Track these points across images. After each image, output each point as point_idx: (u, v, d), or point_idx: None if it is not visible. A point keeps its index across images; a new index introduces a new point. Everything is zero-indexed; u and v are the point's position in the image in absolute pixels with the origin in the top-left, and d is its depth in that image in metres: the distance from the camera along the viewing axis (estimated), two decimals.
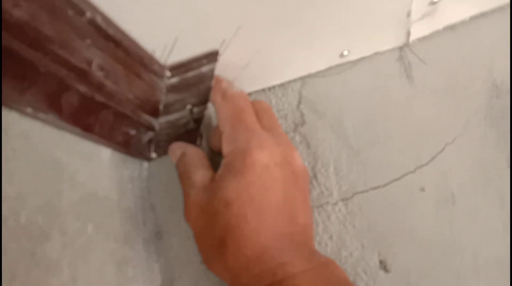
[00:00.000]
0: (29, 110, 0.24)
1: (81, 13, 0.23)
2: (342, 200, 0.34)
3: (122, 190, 0.32)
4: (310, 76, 0.38)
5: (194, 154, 0.32)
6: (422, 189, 0.33)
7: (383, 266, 0.32)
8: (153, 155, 0.36)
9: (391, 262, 0.32)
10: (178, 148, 0.34)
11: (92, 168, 0.29)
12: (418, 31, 0.35)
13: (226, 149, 0.29)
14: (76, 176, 0.27)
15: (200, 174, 0.30)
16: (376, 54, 0.36)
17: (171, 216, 0.35)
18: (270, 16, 0.28)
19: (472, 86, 0.36)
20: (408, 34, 0.34)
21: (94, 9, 0.24)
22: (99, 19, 0.24)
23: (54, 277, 0.23)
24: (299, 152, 0.36)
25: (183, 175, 0.31)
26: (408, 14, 0.31)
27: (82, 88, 0.26)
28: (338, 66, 0.37)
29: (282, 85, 0.39)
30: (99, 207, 0.29)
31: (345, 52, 0.36)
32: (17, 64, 0.22)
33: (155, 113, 0.34)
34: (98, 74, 0.27)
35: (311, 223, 0.29)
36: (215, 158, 0.37)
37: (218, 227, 0.26)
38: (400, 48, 0.36)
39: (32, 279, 0.22)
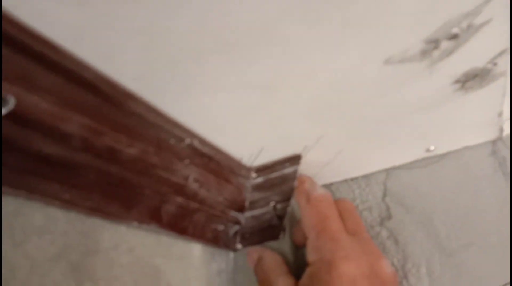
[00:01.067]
0: (135, 223, 0.27)
1: (181, 140, 0.26)
2: None
3: (211, 284, 0.34)
4: (394, 168, 0.37)
5: (271, 259, 0.33)
6: None
7: None
8: (239, 246, 0.38)
9: None
10: (255, 252, 0.35)
11: (185, 269, 0.31)
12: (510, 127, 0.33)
13: (310, 257, 0.29)
14: (172, 281, 0.29)
15: (281, 282, 0.30)
16: (466, 148, 0.35)
17: None
18: (351, 128, 0.29)
19: None
20: (501, 130, 0.33)
21: (193, 135, 0.26)
22: (196, 143, 0.27)
23: None
24: (387, 249, 0.35)
25: (263, 282, 0.32)
26: (500, 114, 0.30)
27: (179, 199, 0.29)
28: (424, 159, 0.36)
29: (365, 176, 0.39)
30: None
31: (431, 147, 0.35)
32: (127, 189, 0.25)
33: (241, 209, 0.36)
34: (194, 186, 0.29)
35: None
36: (298, 251, 0.38)
37: None
38: (493, 142, 0.34)
39: None
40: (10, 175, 0.19)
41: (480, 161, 0.34)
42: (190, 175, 0.29)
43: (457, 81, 0.25)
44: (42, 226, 0.21)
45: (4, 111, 0.18)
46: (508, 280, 0.31)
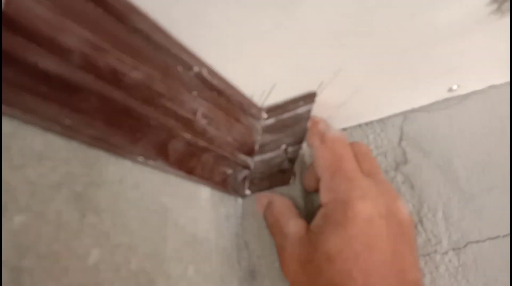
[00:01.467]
0: (140, 158, 0.25)
1: (189, 67, 0.24)
2: (453, 249, 0.31)
3: (219, 228, 0.33)
4: (412, 111, 0.36)
5: (281, 203, 0.32)
6: None
7: None
8: (247, 192, 0.36)
9: None
10: (264, 197, 0.33)
11: (193, 210, 0.30)
12: None
13: (324, 198, 0.28)
14: (179, 220, 0.28)
15: (292, 224, 0.29)
16: (490, 87, 0.33)
17: (264, 256, 0.35)
18: (373, 60, 0.27)
19: None
20: None
21: (201, 64, 0.24)
22: (205, 72, 0.25)
23: None
24: (402, 194, 0.34)
25: (274, 226, 0.31)
26: None
27: (187, 136, 0.27)
28: (445, 100, 0.34)
29: (381, 120, 0.37)
30: (198, 249, 0.30)
31: (454, 87, 0.33)
32: (132, 119, 0.23)
33: (250, 152, 0.34)
34: (202, 122, 0.27)
35: (420, 278, 0.27)
36: (308, 197, 0.36)
37: (322, 283, 0.25)
38: None
39: None
40: (4, 90, 0.18)
41: (506, 100, 0.32)
42: (199, 110, 0.27)
43: (494, 1, 0.23)
44: (41, 151, 0.20)
45: None
46: None
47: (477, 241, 0.31)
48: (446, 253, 0.31)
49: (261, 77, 0.28)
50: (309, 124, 0.32)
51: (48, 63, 0.18)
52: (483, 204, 0.31)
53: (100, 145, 0.23)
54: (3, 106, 0.18)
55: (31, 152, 0.19)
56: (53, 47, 0.18)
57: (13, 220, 0.18)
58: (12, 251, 0.18)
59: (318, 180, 0.30)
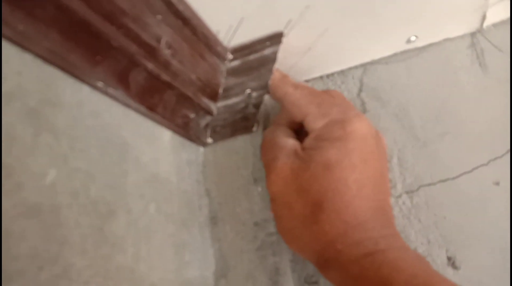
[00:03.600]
0: (100, 84, 0.24)
1: None
2: (407, 192, 0.33)
3: (181, 173, 0.32)
4: (372, 63, 0.36)
5: (282, 126, 0.32)
6: (497, 183, 0.31)
7: (452, 262, 0.30)
8: (209, 140, 0.36)
9: (460, 259, 0.30)
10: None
11: (154, 150, 0.29)
12: (494, 15, 0.32)
13: (316, 125, 0.27)
14: (141, 157, 0.27)
15: (290, 140, 0.29)
16: (446, 40, 0.34)
17: (226, 203, 0.35)
18: (339, 2, 0.27)
19: None
20: (483, 18, 0.32)
21: None
22: None
23: (119, 254, 0.23)
24: None
25: (270, 141, 0.30)
26: None
27: (150, 66, 0.26)
28: (403, 52, 0.35)
29: (342, 72, 0.37)
30: (160, 189, 0.29)
31: (413, 38, 0.34)
32: (92, 36, 0.22)
33: (214, 97, 0.33)
34: (166, 52, 0.26)
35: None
36: None
37: (315, 191, 0.25)
38: (472, 34, 0.34)
39: (100, 254, 0.22)
40: None
41: (459, 53, 0.34)
42: (163, 37, 0.25)
43: None
44: None
45: None
46: (477, 165, 0.32)
47: (429, 184, 0.32)
48: (400, 196, 0.33)
49: (229, 9, 0.27)
50: (274, 75, 0.32)
51: None
52: (436, 149, 0.33)
53: (57, 62, 0.21)
54: None
55: None
56: None
57: None
58: None
59: (295, 123, 0.30)
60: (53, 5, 0.19)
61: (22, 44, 0.19)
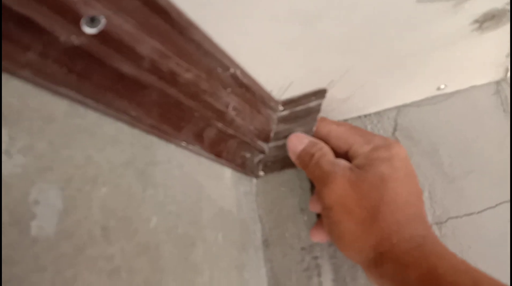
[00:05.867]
0: (183, 143, 0.30)
1: (227, 69, 0.29)
2: (436, 223, 0.37)
3: (239, 204, 0.38)
4: (405, 105, 0.41)
5: (322, 143, 0.36)
6: None
7: None
8: (261, 173, 0.42)
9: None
10: (304, 138, 0.37)
11: (220, 187, 0.35)
12: None
13: (363, 150, 0.33)
14: (211, 195, 0.34)
15: (342, 160, 0.34)
16: (473, 87, 0.38)
17: (276, 228, 0.41)
18: (375, 63, 0.32)
19: None
20: (506, 70, 0.36)
21: (236, 66, 0.29)
22: (238, 73, 0.30)
23: (198, 277, 0.30)
24: None
25: (324, 160, 0.34)
26: (508, 55, 0.33)
27: (220, 125, 0.32)
28: (433, 97, 0.40)
29: (377, 113, 0.42)
30: (225, 219, 0.35)
31: (442, 86, 0.38)
32: (180, 110, 0.28)
33: (267, 139, 0.40)
34: (232, 113, 0.32)
35: None
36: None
37: (373, 197, 0.31)
38: (497, 82, 0.38)
39: (186, 278, 0.28)
40: (94, 89, 0.22)
41: (485, 99, 0.38)
42: (230, 103, 0.32)
43: (476, 21, 0.28)
44: (114, 136, 0.25)
45: (95, 31, 0.20)
46: (500, 201, 0.36)
47: (456, 217, 0.37)
48: (430, 226, 0.37)
49: (281, 76, 0.33)
50: (319, 118, 0.37)
51: (126, 67, 0.23)
52: (462, 185, 0.37)
53: (154, 132, 0.28)
54: (91, 101, 0.23)
55: (108, 137, 0.24)
56: (131, 54, 0.23)
57: (101, 190, 0.23)
58: (101, 214, 0.23)
59: (342, 152, 0.35)
60: (156, 93, 0.26)
61: (133, 124, 0.26)
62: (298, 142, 0.37)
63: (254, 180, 0.43)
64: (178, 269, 0.28)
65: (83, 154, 0.22)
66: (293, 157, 0.37)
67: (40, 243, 0.19)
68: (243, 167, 0.39)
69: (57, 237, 0.20)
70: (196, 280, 0.29)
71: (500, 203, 0.36)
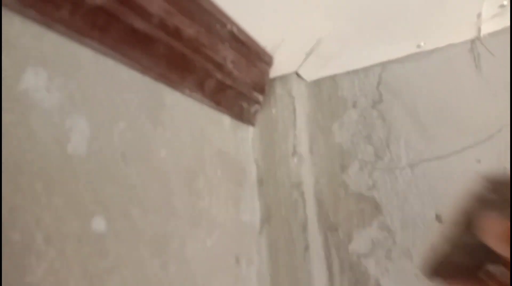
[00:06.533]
0: (187, 91, 0.35)
1: (224, 25, 0.34)
2: (409, 166, 0.42)
3: (237, 147, 0.44)
4: (389, 62, 0.45)
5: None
6: (478, 161, 0.40)
7: (438, 219, 0.40)
8: (256, 122, 0.47)
9: (445, 216, 0.40)
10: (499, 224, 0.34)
11: (219, 132, 0.41)
12: (488, 28, 0.40)
13: None
14: (211, 137, 0.39)
15: None
16: (450, 45, 0.42)
17: (269, 169, 0.46)
18: (361, 21, 0.36)
19: None
20: (479, 30, 0.40)
21: (233, 23, 0.34)
22: (235, 29, 0.35)
23: (200, 202, 0.36)
24: (376, 126, 0.45)
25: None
26: (479, 16, 0.37)
27: (219, 76, 0.37)
28: (415, 54, 0.44)
29: (364, 69, 0.47)
30: (223, 159, 0.41)
31: (422, 43, 0.42)
32: (184, 61, 0.33)
33: (262, 91, 0.45)
34: (230, 66, 0.37)
35: None
36: None
37: None
38: (472, 41, 0.42)
39: (190, 200, 0.34)
40: (112, 42, 0.28)
41: (461, 56, 0.42)
42: (228, 57, 0.37)
43: None
44: (127, 81, 0.30)
45: None
46: (465, 146, 0.41)
47: (427, 160, 0.42)
48: (404, 168, 0.43)
49: (273, 33, 0.37)
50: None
51: (138, 23, 0.28)
52: (435, 133, 0.42)
53: (162, 80, 0.33)
54: (110, 50, 0.28)
55: (124, 82, 0.30)
56: (143, 12, 0.28)
57: (119, 125, 0.29)
58: (120, 143, 0.28)
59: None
60: (163, 46, 0.31)
61: (144, 72, 0.31)
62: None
63: (251, 128, 0.48)
64: (183, 192, 0.34)
65: (104, 94, 0.28)
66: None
67: (74, 159, 0.25)
68: (241, 115, 0.45)
69: (87, 156, 0.26)
70: (198, 203, 0.35)
71: (465, 148, 0.41)
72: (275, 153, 0.46)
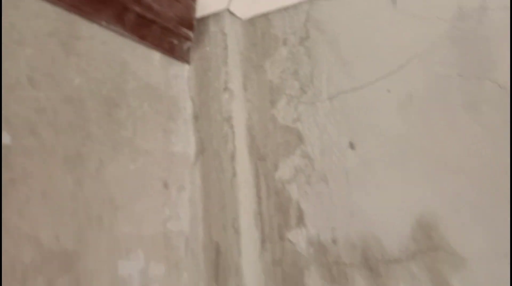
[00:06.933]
0: (103, 23, 0.37)
1: None
2: (329, 98, 0.45)
3: (169, 83, 0.46)
4: None
5: None
6: (389, 91, 0.42)
7: (351, 145, 0.43)
8: (191, 60, 0.49)
9: (357, 143, 0.43)
10: None
11: (147, 67, 0.43)
12: None
13: None
14: (137, 71, 0.41)
15: None
16: None
17: (203, 105, 0.49)
18: None
19: (442, 12, 0.42)
20: None
21: None
22: None
23: (122, 130, 0.38)
24: (301, 62, 0.47)
25: None
26: None
27: (137, 9, 0.38)
28: None
29: (294, 6, 0.48)
30: (151, 93, 0.43)
31: None
32: None
33: (190, 27, 0.46)
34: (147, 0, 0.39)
35: None
36: None
37: None
38: None
39: (111, 128, 0.37)
40: None
41: None
42: None
43: None
44: (37, 11, 0.31)
45: None
46: (379, 77, 0.44)
47: (345, 91, 0.45)
48: (324, 101, 0.45)
49: None
50: None
51: None
52: (354, 66, 0.44)
53: (75, 11, 0.34)
54: None
55: (31, 11, 0.31)
56: None
57: (25, 51, 0.30)
58: (26, 67, 0.30)
59: None
60: None
61: (54, 3, 0.32)
62: None
63: (186, 66, 0.50)
64: (102, 120, 0.36)
65: (7, 21, 0.29)
66: None
67: None
68: (172, 52, 0.46)
69: None
70: (120, 131, 0.38)
71: (378, 79, 0.43)
72: (209, 90, 0.49)
